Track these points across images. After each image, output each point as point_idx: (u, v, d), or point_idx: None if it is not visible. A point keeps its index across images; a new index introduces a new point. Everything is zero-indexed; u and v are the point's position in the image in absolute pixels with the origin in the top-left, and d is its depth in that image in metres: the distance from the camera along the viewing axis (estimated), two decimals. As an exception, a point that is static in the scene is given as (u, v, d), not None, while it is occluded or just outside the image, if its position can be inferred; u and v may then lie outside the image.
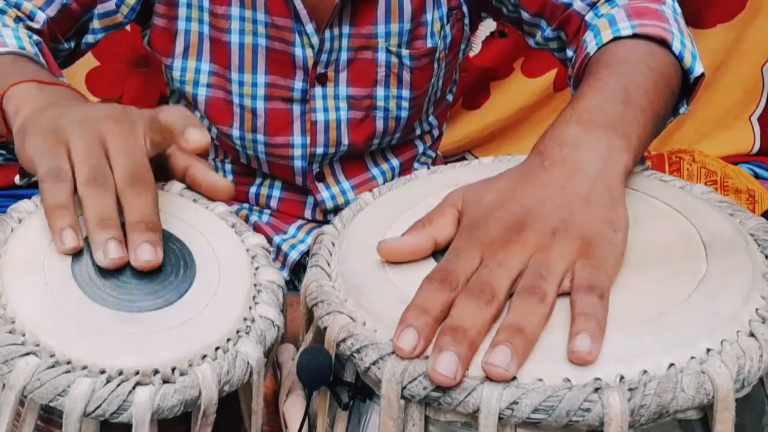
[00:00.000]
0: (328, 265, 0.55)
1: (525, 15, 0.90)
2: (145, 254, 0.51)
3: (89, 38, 0.92)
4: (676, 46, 0.72)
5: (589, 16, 0.83)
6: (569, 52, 0.87)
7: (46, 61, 0.79)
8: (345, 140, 0.97)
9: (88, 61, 1.54)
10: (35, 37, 0.81)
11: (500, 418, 0.42)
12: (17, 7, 0.85)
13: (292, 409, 0.54)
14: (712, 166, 1.55)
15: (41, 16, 0.85)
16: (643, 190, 0.58)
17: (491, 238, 0.50)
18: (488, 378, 0.43)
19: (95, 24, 0.91)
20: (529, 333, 0.44)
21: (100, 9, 0.90)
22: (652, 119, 0.62)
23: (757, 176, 1.61)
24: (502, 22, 0.98)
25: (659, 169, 1.53)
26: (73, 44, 0.92)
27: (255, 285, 0.54)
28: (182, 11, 0.92)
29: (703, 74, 0.74)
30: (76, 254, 0.52)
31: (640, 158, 0.61)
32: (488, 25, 1.62)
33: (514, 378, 0.43)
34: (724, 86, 1.67)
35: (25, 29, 0.84)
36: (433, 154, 1.12)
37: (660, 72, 0.68)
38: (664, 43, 0.72)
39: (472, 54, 1.63)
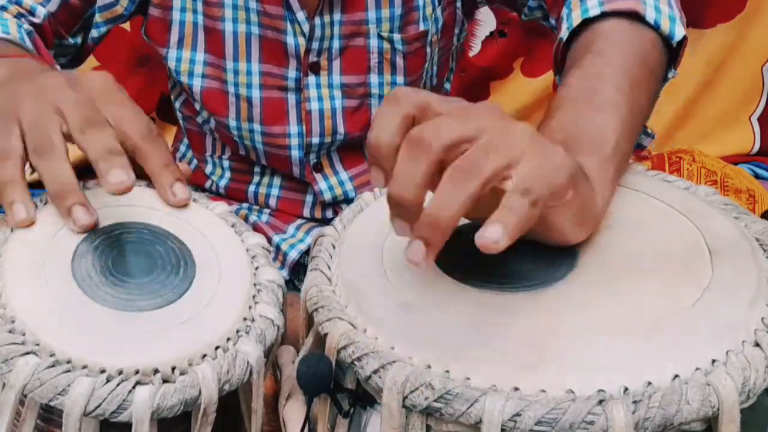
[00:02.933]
0: (329, 268, 0.54)
1: None
2: (117, 176, 0.53)
3: (94, 33, 0.92)
4: (650, 15, 0.70)
5: None
6: (552, 21, 0.87)
7: (35, 48, 0.79)
8: (341, 129, 0.97)
9: (88, 61, 1.53)
10: (26, 26, 0.81)
11: (503, 430, 0.41)
12: (18, 3, 0.85)
13: (292, 413, 0.53)
14: (712, 166, 1.55)
15: (41, 11, 0.86)
16: (646, 191, 0.58)
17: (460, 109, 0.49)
18: (493, 395, 0.42)
19: (97, 18, 0.91)
20: (446, 222, 0.44)
21: (99, 2, 0.90)
22: (630, 113, 0.61)
23: (757, 176, 1.60)
24: (497, 3, 0.98)
25: (659, 169, 1.53)
26: (79, 40, 0.92)
27: (255, 285, 0.54)
28: (176, 1, 0.92)
29: (685, 36, 0.72)
30: (76, 254, 0.52)
31: (628, 156, 0.60)
32: (488, 25, 1.62)
33: (517, 389, 0.43)
34: (724, 86, 1.66)
35: (23, 23, 0.84)
36: None
37: (635, 54, 0.66)
38: (636, 16, 0.70)
39: (471, 54, 1.63)
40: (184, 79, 0.95)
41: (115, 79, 0.61)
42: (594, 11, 0.71)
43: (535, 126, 0.59)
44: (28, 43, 0.79)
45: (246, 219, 1.03)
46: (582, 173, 0.51)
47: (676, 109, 1.66)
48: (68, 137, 0.56)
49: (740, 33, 1.62)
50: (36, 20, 0.86)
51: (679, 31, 0.71)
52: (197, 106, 0.99)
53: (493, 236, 0.43)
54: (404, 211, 0.46)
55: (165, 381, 0.46)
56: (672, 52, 0.72)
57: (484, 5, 1.02)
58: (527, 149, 0.46)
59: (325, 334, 0.49)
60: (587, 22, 0.72)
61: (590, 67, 0.65)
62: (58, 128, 0.55)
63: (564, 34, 0.72)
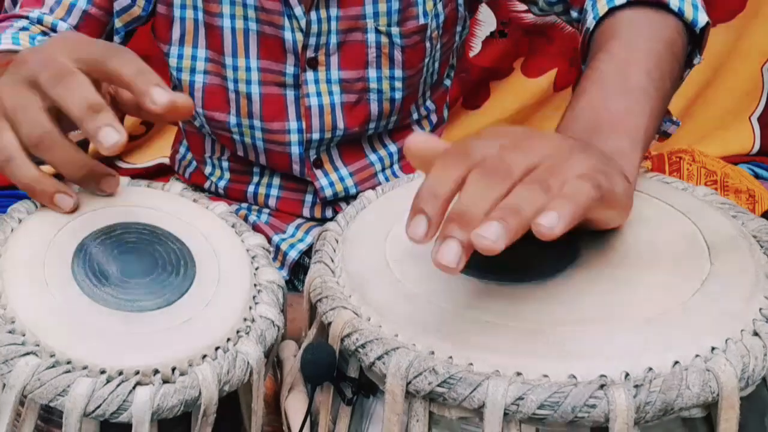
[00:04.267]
0: (332, 261, 0.55)
1: None
2: (109, 137, 0.50)
3: (116, 40, 0.93)
4: (674, 4, 0.71)
5: None
6: (573, 14, 0.87)
7: None
8: (340, 124, 0.97)
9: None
10: (40, 37, 0.82)
11: (505, 414, 0.42)
12: (39, 22, 0.87)
13: (294, 404, 0.54)
14: (712, 166, 1.55)
15: (63, 26, 0.87)
16: (646, 191, 0.58)
17: (514, 134, 0.48)
18: (496, 378, 0.42)
19: (117, 23, 0.91)
20: (524, 217, 0.43)
21: (116, 6, 0.90)
22: (658, 98, 0.61)
23: (757, 176, 1.61)
24: None
25: (659, 169, 1.53)
26: None
27: (255, 285, 0.54)
28: None
29: (708, 23, 0.72)
30: (76, 254, 0.52)
31: (651, 141, 0.61)
32: (488, 25, 1.62)
33: (520, 374, 0.43)
34: (724, 86, 1.67)
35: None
36: None
37: (662, 41, 0.67)
38: (660, 4, 0.71)
39: (472, 54, 1.63)
40: (185, 76, 0.95)
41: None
42: (620, 0, 0.72)
43: (540, 123, 0.59)
44: None
45: (246, 219, 1.03)
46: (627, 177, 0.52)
47: (676, 109, 1.66)
48: (46, 98, 0.54)
49: (740, 33, 1.62)
50: None
51: (702, 18, 0.72)
52: (194, 111, 0.99)
53: (550, 222, 0.42)
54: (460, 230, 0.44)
55: (165, 381, 0.46)
56: (695, 39, 0.73)
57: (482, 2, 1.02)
58: (587, 161, 0.48)
59: (329, 323, 0.49)
60: (611, 12, 0.72)
61: (619, 53, 0.65)
62: (39, 106, 0.54)
63: (591, 24, 0.73)
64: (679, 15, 0.71)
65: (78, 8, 0.88)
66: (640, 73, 0.62)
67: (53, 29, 0.87)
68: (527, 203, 0.43)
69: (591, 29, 0.73)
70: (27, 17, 0.86)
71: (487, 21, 1.61)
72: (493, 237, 0.41)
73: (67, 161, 0.54)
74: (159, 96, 0.52)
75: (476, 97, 1.68)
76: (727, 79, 1.66)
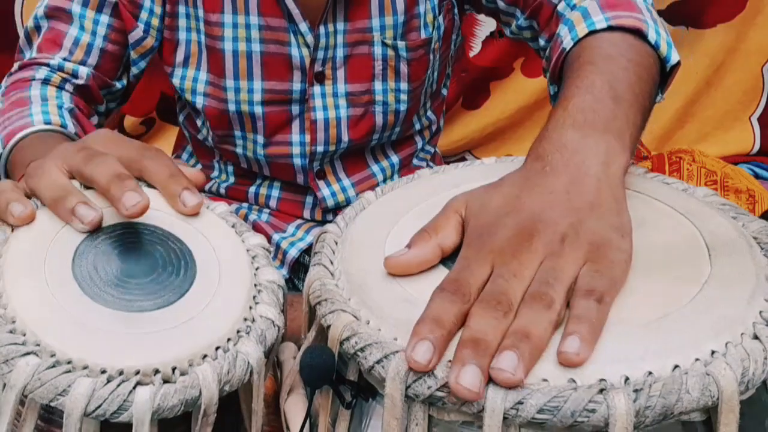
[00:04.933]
0: (331, 263, 0.54)
1: (501, 4, 0.91)
2: (131, 198, 0.53)
3: (134, 70, 0.96)
4: (652, 36, 0.72)
5: (561, 6, 0.83)
6: (541, 41, 0.88)
7: (79, 124, 0.83)
8: (345, 137, 0.98)
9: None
10: (67, 104, 0.85)
11: (505, 418, 0.42)
12: (60, 69, 0.89)
13: (294, 407, 0.54)
14: (712, 166, 1.55)
15: (83, 71, 0.90)
16: (646, 192, 0.58)
17: (501, 247, 0.49)
18: (495, 383, 0.42)
19: (133, 55, 0.94)
20: (536, 338, 0.44)
21: (131, 39, 0.92)
22: (640, 113, 0.62)
23: (757, 176, 1.61)
24: (484, 13, 0.99)
25: (659, 169, 1.53)
26: (125, 81, 0.96)
27: (255, 285, 0.54)
28: (182, 22, 0.94)
29: (678, 62, 0.74)
30: (77, 254, 0.52)
31: (633, 155, 0.61)
32: (488, 25, 1.62)
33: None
34: (724, 86, 1.67)
35: (68, 92, 0.88)
36: (432, 150, 1.12)
37: (640, 64, 0.68)
38: (639, 34, 0.71)
39: (472, 54, 1.63)
40: (188, 96, 0.97)
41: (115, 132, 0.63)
42: (600, 25, 0.73)
43: (539, 130, 0.59)
44: (70, 125, 0.82)
45: (246, 218, 1.04)
46: (629, 230, 0.52)
47: (676, 109, 1.66)
48: (74, 177, 0.57)
49: (740, 33, 1.62)
50: (80, 81, 0.90)
51: (675, 56, 0.73)
52: (199, 123, 1.00)
53: (572, 350, 0.43)
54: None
55: (165, 381, 0.46)
56: (662, 77, 0.74)
57: (472, 11, 1.03)
58: (580, 251, 0.49)
59: (328, 326, 0.49)
60: (590, 34, 0.73)
61: (604, 67, 0.65)
62: (53, 164, 0.57)
63: (568, 44, 0.73)
64: (654, 48, 0.72)
65: (96, 47, 0.91)
66: (623, 87, 0.62)
67: (74, 75, 0.90)
68: (534, 325, 0.44)
69: (568, 50, 0.73)
70: (48, 65, 0.89)
71: (487, 21, 1.62)
72: (510, 369, 0.42)
73: (52, 183, 0.56)
74: (189, 199, 0.57)
75: (476, 97, 1.68)
76: (727, 79, 1.66)
